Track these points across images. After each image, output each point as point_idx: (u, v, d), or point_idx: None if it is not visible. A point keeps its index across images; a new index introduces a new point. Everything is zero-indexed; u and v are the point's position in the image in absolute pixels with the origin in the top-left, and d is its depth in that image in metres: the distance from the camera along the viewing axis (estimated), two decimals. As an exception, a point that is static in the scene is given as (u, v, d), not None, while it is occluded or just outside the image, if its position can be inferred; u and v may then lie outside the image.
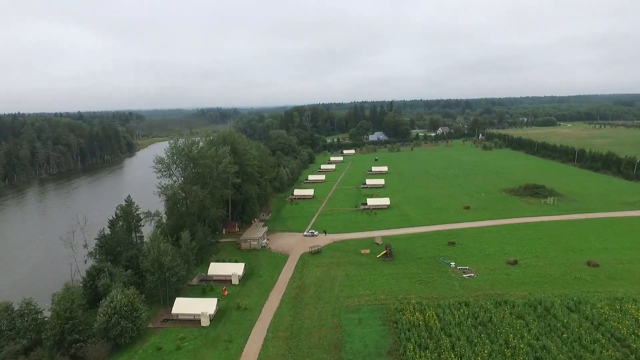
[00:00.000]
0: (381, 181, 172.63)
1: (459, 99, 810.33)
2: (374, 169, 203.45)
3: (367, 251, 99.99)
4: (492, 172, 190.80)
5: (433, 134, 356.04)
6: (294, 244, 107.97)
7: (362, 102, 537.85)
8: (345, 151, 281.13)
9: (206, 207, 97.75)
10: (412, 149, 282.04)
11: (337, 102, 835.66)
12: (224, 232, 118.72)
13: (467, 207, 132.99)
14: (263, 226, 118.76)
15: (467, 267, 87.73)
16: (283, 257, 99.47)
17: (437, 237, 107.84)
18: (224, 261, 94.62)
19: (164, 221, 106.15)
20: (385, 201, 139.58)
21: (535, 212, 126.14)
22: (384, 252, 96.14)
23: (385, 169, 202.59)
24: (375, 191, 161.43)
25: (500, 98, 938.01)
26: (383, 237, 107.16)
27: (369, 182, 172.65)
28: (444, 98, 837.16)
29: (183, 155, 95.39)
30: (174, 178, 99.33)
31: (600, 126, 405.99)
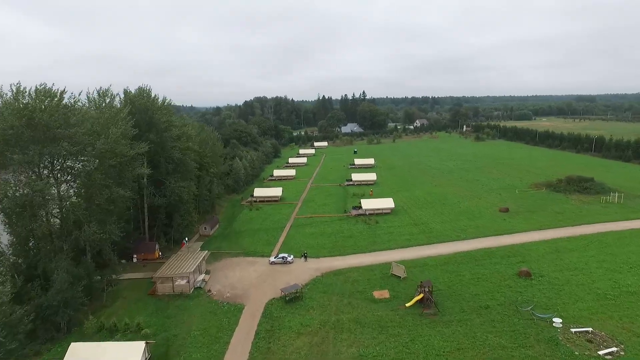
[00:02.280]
0: (372, 176, 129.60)
1: (425, 96, 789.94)
2: (358, 161, 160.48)
3: (385, 294, 56.10)
4: (505, 164, 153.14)
5: (412, 127, 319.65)
6: (253, 281, 62.15)
7: (329, 97, 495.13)
8: (316, 143, 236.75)
9: (75, 222, 49.97)
10: (394, 140, 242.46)
11: (300, 99, 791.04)
12: (134, 260, 70.77)
13: (506, 210, 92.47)
14: (202, 249, 71.94)
15: (590, 330, 45.73)
16: (232, 312, 53.38)
17: (491, 261, 65.72)
18: (113, 329, 47.22)
19: (10, 250, 57.08)
20: (387, 203, 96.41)
21: (607, 215, 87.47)
22: (419, 296, 52.62)
23: (371, 161, 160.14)
24: (366, 189, 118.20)
25: (465, 97, 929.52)
26: (404, 264, 63.71)
27: (355, 177, 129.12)
28: (409, 96, 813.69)
29: (24, 115, 46.88)
30: (12, 166, 50.46)
31: (580, 120, 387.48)
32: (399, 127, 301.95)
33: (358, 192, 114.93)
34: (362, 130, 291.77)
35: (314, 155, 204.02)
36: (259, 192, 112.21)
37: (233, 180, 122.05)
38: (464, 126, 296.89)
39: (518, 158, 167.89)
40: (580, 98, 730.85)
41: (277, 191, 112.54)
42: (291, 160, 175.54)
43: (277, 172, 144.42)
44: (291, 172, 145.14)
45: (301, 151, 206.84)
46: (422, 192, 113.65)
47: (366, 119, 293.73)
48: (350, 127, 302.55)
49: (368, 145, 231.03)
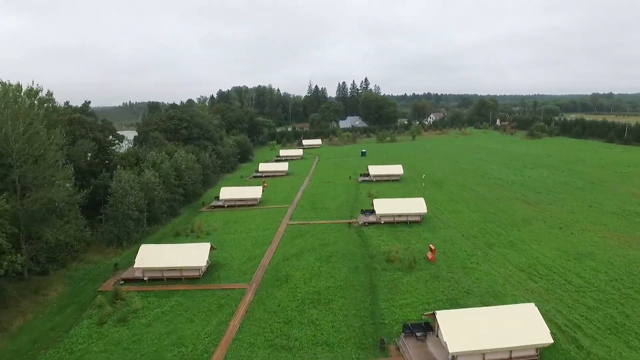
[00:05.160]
0: (416, 205, 61.28)
1: (427, 92, 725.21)
2: (375, 170, 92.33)
3: None
4: None
5: (427, 122, 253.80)
6: None
7: (323, 89, 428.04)
8: (306, 141, 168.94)
9: None
10: (414, 137, 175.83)
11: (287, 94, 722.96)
12: None
13: None
14: None
15: None
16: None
17: None
18: None
19: None
20: (520, 322, 29.00)
21: None
22: None
23: (397, 170, 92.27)
24: (413, 243, 51.18)
25: (467, 94, 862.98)
26: None
27: (382, 206, 60.54)
28: (409, 93, 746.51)
29: None
30: None
31: (623, 115, 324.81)
32: (413, 122, 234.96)
33: (396, 250, 47.75)
34: (365, 124, 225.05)
35: (301, 158, 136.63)
36: (148, 255, 44.11)
37: (113, 222, 54.12)
38: (498, 120, 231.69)
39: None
40: (595, 95, 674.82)
41: (197, 253, 44.67)
42: (263, 167, 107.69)
43: (227, 194, 75.97)
44: (253, 192, 76.89)
45: (282, 152, 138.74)
46: (557, 251, 46.75)
47: (371, 110, 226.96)
48: (350, 121, 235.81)
49: (379, 144, 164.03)
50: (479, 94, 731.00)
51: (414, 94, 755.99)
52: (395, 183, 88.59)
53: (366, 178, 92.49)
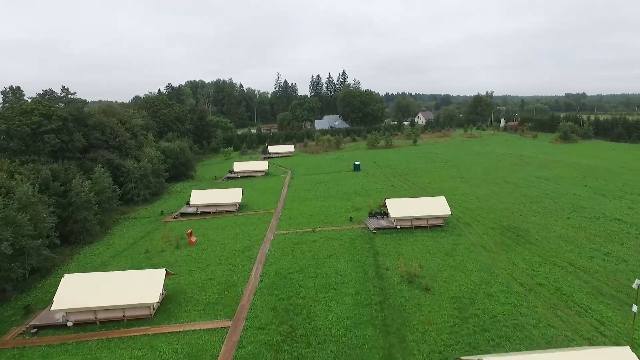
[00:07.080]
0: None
1: (402, 92, 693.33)
2: (397, 208, 50.55)
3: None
4: None
5: (419, 122, 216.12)
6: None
7: (293, 85, 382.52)
8: (273, 148, 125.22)
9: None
10: (414, 142, 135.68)
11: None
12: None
13: None
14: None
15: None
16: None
17: None
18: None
19: None
20: None
21: None
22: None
23: (439, 208, 50.61)
24: None
25: (440, 95, 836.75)
26: None
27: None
28: (382, 93, 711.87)
29: None
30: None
31: (622, 115, 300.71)
32: (403, 122, 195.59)
33: None
34: (347, 125, 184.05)
35: (266, 174, 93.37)
36: None
37: None
38: (503, 120, 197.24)
39: None
40: (568, 95, 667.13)
41: None
42: (197, 198, 63.18)
43: (69, 299, 31.37)
44: (143, 287, 32.51)
45: (237, 167, 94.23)
46: None
47: (354, 108, 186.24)
48: (328, 122, 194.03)
49: (372, 151, 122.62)
50: (451, 94, 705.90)
51: (387, 93, 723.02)
52: (440, 233, 47.24)
53: (383, 223, 50.57)
